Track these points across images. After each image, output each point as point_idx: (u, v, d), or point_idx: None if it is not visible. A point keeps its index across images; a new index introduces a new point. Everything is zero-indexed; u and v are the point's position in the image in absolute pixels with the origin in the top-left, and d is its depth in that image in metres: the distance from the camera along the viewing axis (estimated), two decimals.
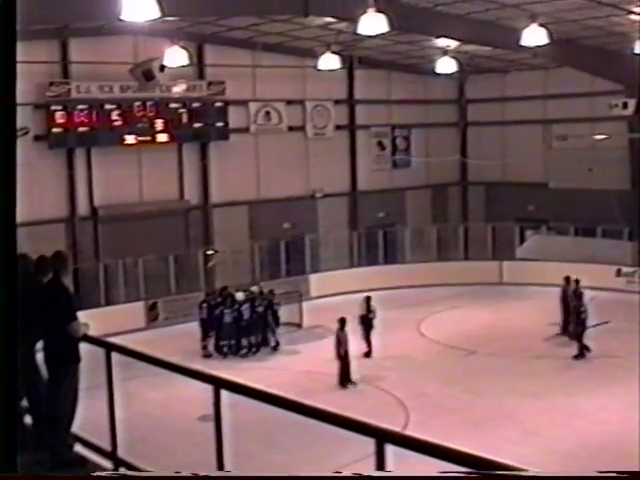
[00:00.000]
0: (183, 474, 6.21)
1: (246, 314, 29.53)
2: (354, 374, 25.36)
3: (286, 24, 33.21)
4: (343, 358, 25.39)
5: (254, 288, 31.64)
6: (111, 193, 34.21)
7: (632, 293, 32.80)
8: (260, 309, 29.87)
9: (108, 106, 33.74)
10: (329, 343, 29.16)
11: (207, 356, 28.94)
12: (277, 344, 29.90)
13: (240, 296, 30.09)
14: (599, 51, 35.11)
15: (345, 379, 25.24)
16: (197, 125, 35.95)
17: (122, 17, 21.46)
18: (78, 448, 8.60)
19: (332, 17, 31.21)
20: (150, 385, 22.20)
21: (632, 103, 36.11)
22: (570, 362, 26.82)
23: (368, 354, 28.17)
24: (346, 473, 4.73)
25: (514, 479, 4.57)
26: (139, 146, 34.75)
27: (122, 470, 8.10)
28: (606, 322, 28.29)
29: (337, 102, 40.98)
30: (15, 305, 4.74)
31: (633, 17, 29.70)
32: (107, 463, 8.23)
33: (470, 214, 44.72)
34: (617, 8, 29.26)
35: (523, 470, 4.56)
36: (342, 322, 25.83)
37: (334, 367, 27.02)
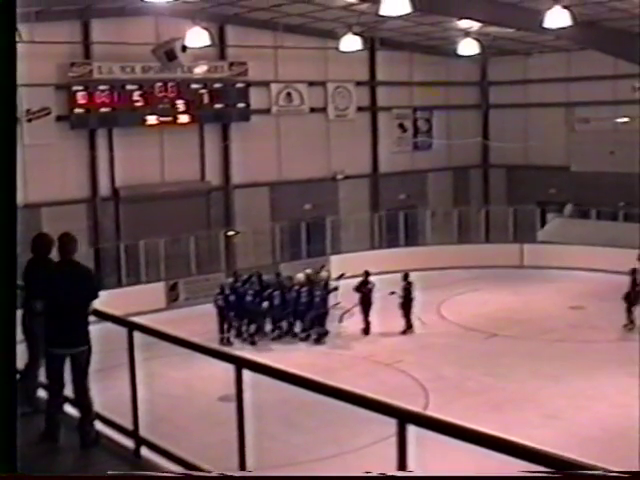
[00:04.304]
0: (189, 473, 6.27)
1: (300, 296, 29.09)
2: None
3: (308, 5, 33.13)
4: None
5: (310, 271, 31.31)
6: (132, 174, 34.25)
7: None
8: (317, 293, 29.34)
9: (130, 87, 33.77)
10: (348, 324, 29.23)
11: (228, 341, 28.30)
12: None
13: (301, 277, 29.89)
14: (622, 33, 34.74)
15: None
16: (218, 106, 35.89)
17: None
18: (100, 427, 8.63)
19: None
20: (171, 365, 22.30)
21: None
22: (591, 345, 26.76)
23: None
24: (350, 474, 4.74)
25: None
26: (160, 127, 34.77)
27: (143, 449, 8.15)
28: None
29: (359, 83, 40.82)
30: (15, 305, 4.73)
31: None
32: (129, 442, 8.28)
33: (491, 197, 44.56)
34: None
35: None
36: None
37: (353, 348, 27.10)
